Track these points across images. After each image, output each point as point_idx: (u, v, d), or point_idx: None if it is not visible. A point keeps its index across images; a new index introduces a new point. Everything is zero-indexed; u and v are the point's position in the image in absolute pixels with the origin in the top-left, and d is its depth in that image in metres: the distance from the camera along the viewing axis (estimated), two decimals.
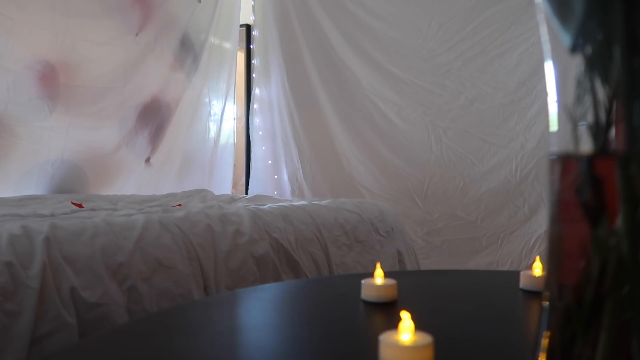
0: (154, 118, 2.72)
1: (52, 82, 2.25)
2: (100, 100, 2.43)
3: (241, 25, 3.29)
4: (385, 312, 0.70)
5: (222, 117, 3.14)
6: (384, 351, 0.47)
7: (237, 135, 3.43)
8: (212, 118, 3.09)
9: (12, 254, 0.89)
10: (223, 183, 3.18)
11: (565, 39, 0.30)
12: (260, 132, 3.25)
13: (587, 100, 0.29)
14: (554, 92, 0.31)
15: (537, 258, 0.83)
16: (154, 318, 0.73)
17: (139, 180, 2.65)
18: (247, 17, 3.37)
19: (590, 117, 0.29)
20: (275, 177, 3.11)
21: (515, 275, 0.84)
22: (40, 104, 2.21)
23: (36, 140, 2.22)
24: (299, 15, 2.85)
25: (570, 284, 0.30)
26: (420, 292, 0.84)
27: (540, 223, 2.19)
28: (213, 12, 2.98)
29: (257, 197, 2.07)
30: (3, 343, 0.83)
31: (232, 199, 1.97)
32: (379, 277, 0.73)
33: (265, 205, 1.48)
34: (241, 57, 3.38)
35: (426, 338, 0.47)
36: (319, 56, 2.84)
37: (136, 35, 2.54)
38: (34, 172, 2.25)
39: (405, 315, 0.48)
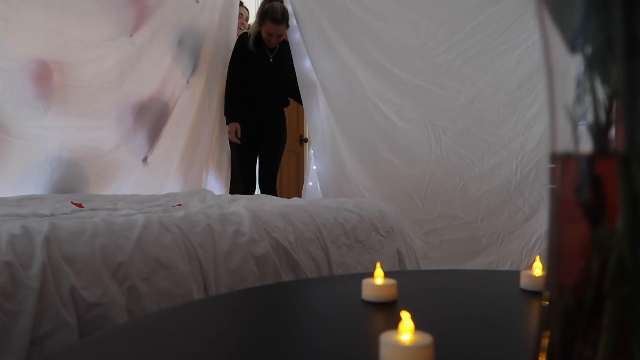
0: (151, 118, 2.72)
1: (46, 82, 2.26)
2: (95, 100, 2.43)
3: None
4: (385, 312, 0.70)
5: (221, 116, 3.14)
6: (384, 351, 0.47)
7: None
8: (211, 118, 3.09)
9: (12, 254, 0.89)
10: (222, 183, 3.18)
11: (565, 39, 0.30)
12: None
13: (587, 100, 0.29)
14: (554, 92, 0.31)
15: (537, 258, 0.83)
16: (154, 318, 0.73)
17: (137, 180, 2.65)
18: None
19: (590, 117, 0.29)
20: None
21: (515, 275, 0.84)
22: (36, 104, 2.21)
23: (33, 140, 2.22)
24: (298, 15, 2.85)
25: (570, 284, 0.30)
26: (420, 292, 0.84)
27: (540, 223, 2.19)
28: (212, 11, 2.98)
29: (257, 197, 2.07)
30: (3, 343, 0.83)
31: (232, 199, 1.97)
32: (379, 277, 0.73)
33: (265, 205, 1.48)
34: None
35: (426, 338, 0.47)
36: (318, 56, 2.83)
37: (130, 36, 2.55)
38: (32, 171, 2.26)
39: (405, 315, 0.48)
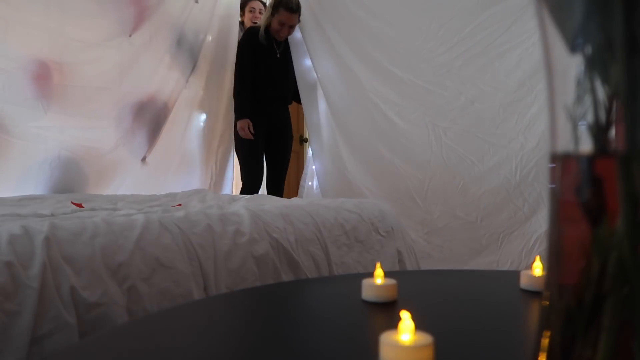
0: (150, 118, 2.72)
1: (46, 82, 2.26)
2: (94, 100, 2.44)
3: None
4: (385, 312, 0.70)
5: (222, 115, 3.14)
6: (384, 351, 0.47)
7: None
8: (211, 117, 3.09)
9: (12, 254, 0.89)
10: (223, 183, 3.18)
11: (565, 39, 0.30)
12: None
13: (587, 100, 0.29)
14: (554, 92, 0.31)
15: (537, 258, 0.83)
16: (154, 318, 0.73)
17: (137, 180, 2.65)
18: None
19: (590, 117, 0.29)
20: None
21: (515, 275, 0.84)
22: (35, 104, 2.21)
23: (32, 140, 2.22)
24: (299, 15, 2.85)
25: (570, 284, 0.30)
26: (420, 292, 0.84)
27: (540, 223, 2.19)
28: (211, 11, 2.98)
29: (257, 197, 2.07)
30: (3, 343, 0.83)
31: (232, 199, 1.97)
32: (379, 277, 0.73)
33: (265, 205, 1.48)
34: None
35: (426, 338, 0.47)
36: (318, 55, 2.84)
37: (129, 36, 2.55)
38: (32, 171, 2.26)
39: (405, 315, 0.48)
